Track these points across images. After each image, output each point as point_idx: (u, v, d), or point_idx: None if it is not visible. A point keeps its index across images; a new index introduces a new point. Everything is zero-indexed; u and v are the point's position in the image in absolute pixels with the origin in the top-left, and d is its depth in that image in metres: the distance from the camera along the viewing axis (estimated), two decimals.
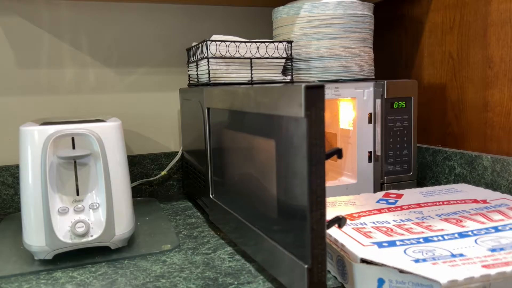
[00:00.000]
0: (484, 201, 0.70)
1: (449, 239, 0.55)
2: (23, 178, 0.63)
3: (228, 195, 0.71)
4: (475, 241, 0.53)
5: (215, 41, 0.81)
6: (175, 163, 1.07)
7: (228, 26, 1.10)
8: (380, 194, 0.76)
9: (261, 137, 0.57)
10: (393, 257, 0.49)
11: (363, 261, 0.50)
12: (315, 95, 0.44)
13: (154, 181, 1.06)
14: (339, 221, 0.54)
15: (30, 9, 0.95)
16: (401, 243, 0.54)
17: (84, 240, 0.64)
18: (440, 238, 0.55)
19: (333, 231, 0.59)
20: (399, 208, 0.68)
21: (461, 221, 0.61)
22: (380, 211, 0.67)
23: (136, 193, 1.05)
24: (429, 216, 0.64)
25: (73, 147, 0.66)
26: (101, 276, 0.60)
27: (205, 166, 0.80)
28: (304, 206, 0.47)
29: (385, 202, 0.72)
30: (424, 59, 1.00)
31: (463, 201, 0.70)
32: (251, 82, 0.85)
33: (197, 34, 1.08)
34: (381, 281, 0.49)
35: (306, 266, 0.47)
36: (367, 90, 0.84)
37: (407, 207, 0.69)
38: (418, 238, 0.55)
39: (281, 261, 0.53)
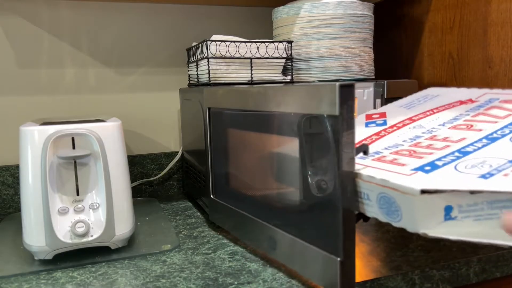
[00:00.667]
0: (471, 100, 0.63)
1: (483, 146, 0.48)
2: (23, 178, 0.63)
3: (234, 193, 0.71)
4: (510, 139, 0.49)
5: (215, 41, 0.81)
6: (175, 163, 1.07)
7: (228, 26, 1.10)
8: (362, 118, 0.69)
9: (281, 136, 0.57)
10: (453, 179, 0.43)
11: (424, 192, 0.43)
12: (347, 94, 0.46)
13: (154, 181, 1.06)
14: (365, 216, 0.54)
15: (30, 9, 0.95)
16: (441, 162, 0.47)
17: (84, 240, 0.64)
18: (475, 147, 0.49)
19: (356, 166, 0.56)
20: (395, 128, 0.62)
21: (471, 126, 0.55)
22: (379, 135, 0.61)
23: (136, 193, 1.05)
24: (433, 128, 0.58)
25: (73, 147, 0.66)
26: (101, 276, 0.60)
27: (205, 166, 0.80)
28: (337, 200, 0.48)
29: (374, 124, 0.66)
30: (424, 59, 1.00)
31: (451, 105, 0.64)
32: (251, 82, 0.85)
33: (197, 34, 1.08)
34: (449, 209, 0.43)
35: (338, 259, 0.48)
36: (367, 90, 0.84)
37: (401, 124, 0.63)
38: (452, 153, 0.49)
39: (307, 256, 0.53)
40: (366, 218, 0.55)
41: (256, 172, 0.65)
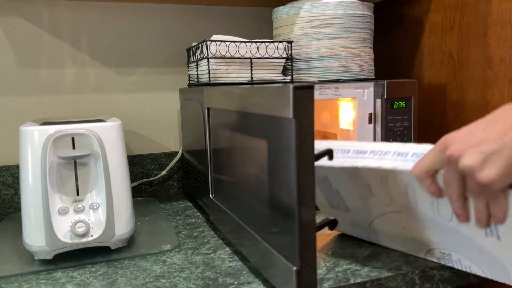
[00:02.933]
0: None
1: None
2: (23, 178, 0.63)
3: (227, 195, 0.71)
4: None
5: (215, 41, 0.81)
6: (175, 163, 1.07)
7: (228, 26, 1.10)
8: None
9: (256, 138, 0.56)
10: None
11: None
12: (303, 96, 0.44)
13: (154, 181, 1.06)
14: (330, 224, 0.53)
15: (30, 9, 0.95)
16: None
17: (84, 240, 0.64)
18: None
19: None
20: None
21: None
22: None
23: (136, 193, 1.05)
24: None
25: (73, 147, 0.66)
26: (101, 276, 0.60)
27: (205, 166, 0.80)
28: (294, 207, 0.46)
29: None
30: (424, 59, 1.00)
31: None
32: (251, 82, 0.85)
33: (197, 34, 1.08)
34: None
35: (294, 268, 0.47)
36: (367, 90, 0.84)
37: None
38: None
39: (273, 262, 0.53)
40: (331, 226, 0.54)
41: (245, 174, 0.64)
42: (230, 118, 0.67)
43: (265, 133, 0.53)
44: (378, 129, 0.85)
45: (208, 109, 0.76)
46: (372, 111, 0.85)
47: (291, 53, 0.87)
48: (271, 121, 0.50)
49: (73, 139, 0.66)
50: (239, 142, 0.64)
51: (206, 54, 0.82)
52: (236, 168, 0.66)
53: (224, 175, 0.73)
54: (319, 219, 0.64)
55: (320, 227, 0.54)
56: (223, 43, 0.82)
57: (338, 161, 0.57)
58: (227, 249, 0.69)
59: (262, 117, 0.53)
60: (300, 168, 0.45)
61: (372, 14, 0.91)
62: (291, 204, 0.47)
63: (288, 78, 0.88)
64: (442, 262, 0.59)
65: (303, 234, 0.46)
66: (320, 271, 0.59)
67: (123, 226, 0.67)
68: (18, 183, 0.95)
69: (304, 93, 0.44)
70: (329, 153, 0.53)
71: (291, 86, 0.44)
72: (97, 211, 0.66)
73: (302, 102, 0.44)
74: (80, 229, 0.63)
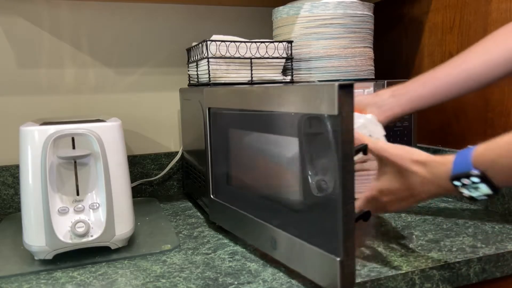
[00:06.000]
0: None
1: None
2: (23, 178, 0.63)
3: (234, 193, 0.71)
4: None
5: (215, 41, 0.81)
6: (175, 163, 1.07)
7: (228, 26, 1.10)
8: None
9: (281, 135, 0.58)
10: None
11: None
12: (346, 94, 0.46)
13: (154, 181, 1.06)
14: (365, 216, 0.55)
15: (30, 9, 0.95)
16: None
17: (84, 240, 0.64)
18: None
19: None
20: None
21: None
22: None
23: (136, 193, 1.05)
24: None
25: (73, 147, 0.66)
26: (101, 276, 0.60)
27: (205, 166, 0.80)
28: (336, 200, 0.49)
29: None
30: (424, 59, 1.00)
31: None
32: (251, 82, 0.85)
33: (197, 34, 1.08)
34: None
35: (338, 259, 0.49)
36: (367, 90, 0.84)
37: None
38: None
39: (307, 255, 0.54)
40: (366, 218, 0.55)
41: (256, 172, 0.65)
42: (237, 118, 0.67)
43: (296, 130, 0.54)
44: None
45: (209, 109, 0.76)
46: None
47: (291, 53, 0.88)
48: (307, 118, 0.52)
49: (73, 139, 0.66)
50: (251, 140, 0.65)
51: (206, 54, 0.82)
52: (250, 166, 0.66)
53: (229, 174, 0.73)
54: None
55: (357, 219, 0.55)
56: (223, 43, 0.82)
57: None
58: (227, 249, 0.69)
59: (292, 115, 0.54)
60: (344, 162, 0.47)
61: (372, 14, 0.91)
62: (333, 197, 0.49)
63: (288, 78, 0.89)
64: None
65: (346, 226, 0.48)
66: None
67: (123, 226, 0.67)
68: (18, 183, 0.95)
69: (347, 91, 0.46)
70: (364, 149, 0.56)
71: (336, 84, 0.46)
72: (97, 211, 0.66)
73: (346, 99, 0.46)
74: (80, 229, 0.63)
